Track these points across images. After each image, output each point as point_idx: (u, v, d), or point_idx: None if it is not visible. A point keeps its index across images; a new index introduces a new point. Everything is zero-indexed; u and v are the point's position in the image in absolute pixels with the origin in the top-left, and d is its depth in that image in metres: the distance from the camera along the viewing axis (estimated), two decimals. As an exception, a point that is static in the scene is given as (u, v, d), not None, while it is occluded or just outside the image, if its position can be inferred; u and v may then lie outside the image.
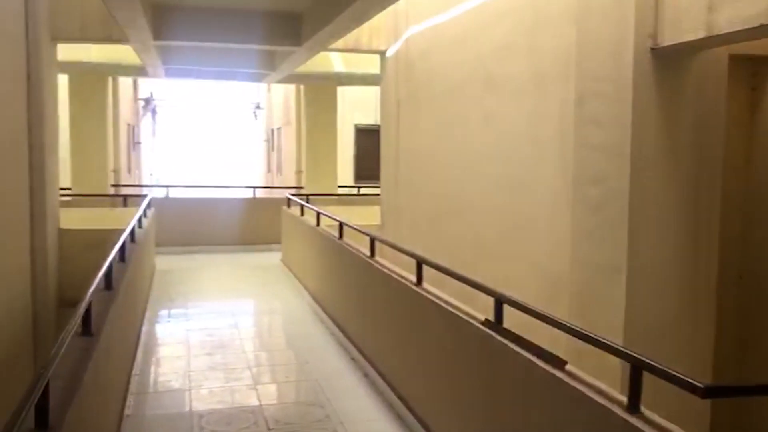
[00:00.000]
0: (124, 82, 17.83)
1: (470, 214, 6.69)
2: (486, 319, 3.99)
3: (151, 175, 24.84)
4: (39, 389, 2.43)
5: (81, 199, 11.67)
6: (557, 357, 3.18)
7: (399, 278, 5.30)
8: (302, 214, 10.12)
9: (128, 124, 18.44)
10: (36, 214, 7.11)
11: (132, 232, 7.15)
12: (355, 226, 7.01)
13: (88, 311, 3.70)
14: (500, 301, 3.88)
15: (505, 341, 3.56)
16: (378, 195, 13.20)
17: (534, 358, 3.25)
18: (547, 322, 3.39)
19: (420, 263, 5.07)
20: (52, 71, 7.58)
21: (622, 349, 2.90)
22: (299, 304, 8.85)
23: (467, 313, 4.17)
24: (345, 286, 7.25)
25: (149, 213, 9.98)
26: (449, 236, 7.11)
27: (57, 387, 2.81)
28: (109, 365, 4.34)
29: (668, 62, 4.30)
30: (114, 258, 4.96)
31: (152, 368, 6.38)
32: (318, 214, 8.79)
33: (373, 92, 16.46)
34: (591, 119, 4.59)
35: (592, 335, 3.05)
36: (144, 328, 7.50)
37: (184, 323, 7.92)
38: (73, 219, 8.70)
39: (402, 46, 8.59)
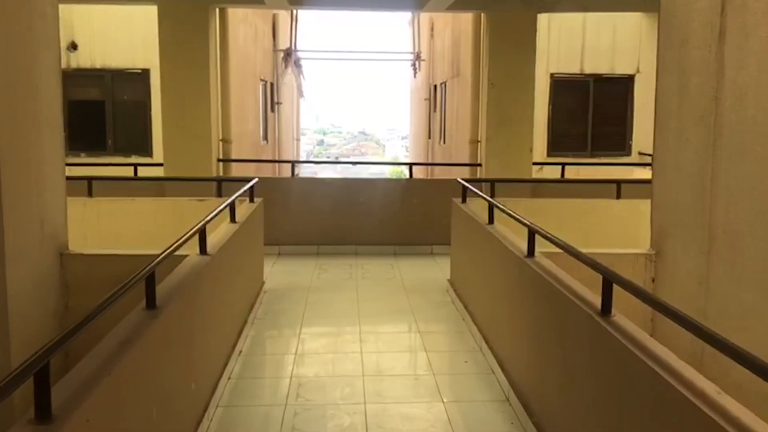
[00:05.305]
0: (257, 30, 14.45)
1: None
2: None
3: (296, 141, 21.84)
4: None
5: (172, 184, 8.21)
6: None
7: None
8: (491, 219, 5.93)
9: (264, 81, 15.15)
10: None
11: (150, 288, 3.36)
12: (652, 294, 2.74)
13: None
14: None
15: None
16: (594, 182, 8.65)
17: None
18: None
19: None
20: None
21: None
22: (489, 402, 4.72)
23: None
24: (602, 408, 3.02)
25: (248, 209, 6.30)
26: None
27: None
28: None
29: None
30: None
31: None
32: (532, 232, 4.55)
33: (578, 26, 11.88)
34: None
35: None
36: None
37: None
38: (109, 223, 5.17)
39: None
